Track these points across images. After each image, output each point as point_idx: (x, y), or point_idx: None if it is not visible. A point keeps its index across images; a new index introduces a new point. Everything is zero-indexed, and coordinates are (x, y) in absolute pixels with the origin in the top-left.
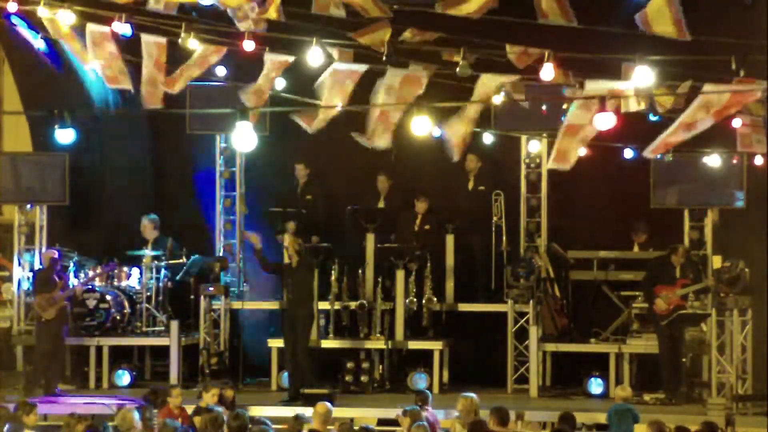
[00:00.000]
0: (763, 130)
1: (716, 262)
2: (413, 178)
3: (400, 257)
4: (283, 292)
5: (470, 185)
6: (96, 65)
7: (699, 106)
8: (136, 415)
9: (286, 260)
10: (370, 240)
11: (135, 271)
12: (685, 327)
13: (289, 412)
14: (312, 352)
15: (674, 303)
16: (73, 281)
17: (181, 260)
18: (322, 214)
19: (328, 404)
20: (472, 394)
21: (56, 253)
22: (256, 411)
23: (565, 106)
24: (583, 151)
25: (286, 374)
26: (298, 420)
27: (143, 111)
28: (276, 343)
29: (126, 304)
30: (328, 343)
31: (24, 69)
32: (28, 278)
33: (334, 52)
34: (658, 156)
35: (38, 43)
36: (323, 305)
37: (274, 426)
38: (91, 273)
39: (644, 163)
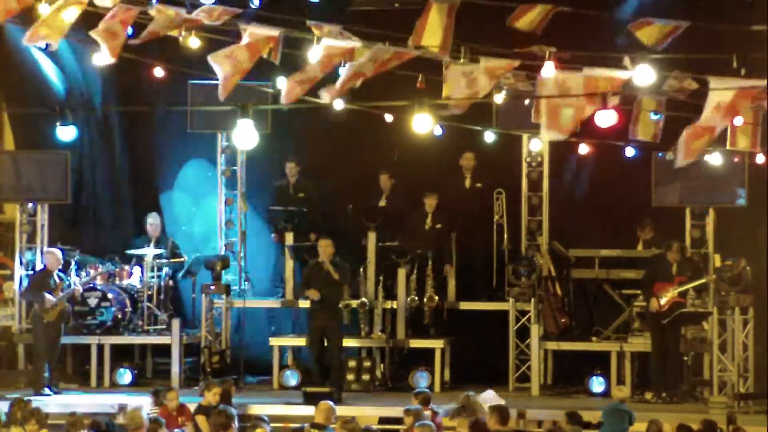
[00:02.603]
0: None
1: (715, 260)
2: (413, 177)
3: (402, 256)
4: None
5: (467, 183)
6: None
7: (712, 106)
8: (145, 414)
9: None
10: (372, 238)
11: (136, 269)
12: (686, 325)
13: (289, 411)
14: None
15: (672, 300)
16: (74, 280)
17: (182, 259)
18: (316, 211)
19: (331, 402)
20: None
21: (60, 252)
22: (258, 410)
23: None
24: (585, 149)
25: (287, 373)
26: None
27: (143, 110)
28: (278, 342)
29: (128, 302)
30: None
31: (6, 68)
32: (27, 276)
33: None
34: (660, 154)
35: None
36: None
37: (273, 424)
38: (92, 272)
39: (646, 162)
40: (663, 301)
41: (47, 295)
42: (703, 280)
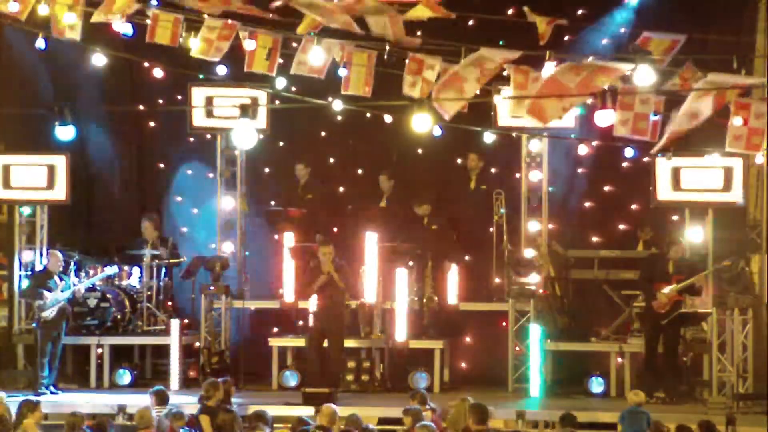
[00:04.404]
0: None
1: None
2: (415, 178)
3: (402, 256)
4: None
5: (472, 185)
6: None
7: (699, 94)
8: (154, 414)
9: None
10: (371, 239)
11: (136, 270)
12: (685, 326)
13: (288, 411)
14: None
15: (672, 299)
16: (73, 280)
17: (181, 259)
18: (323, 212)
19: (334, 406)
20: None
21: (61, 255)
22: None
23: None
24: (585, 149)
25: (287, 373)
26: (301, 422)
27: (143, 110)
28: (277, 343)
29: (127, 303)
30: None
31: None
32: (27, 276)
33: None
34: (660, 154)
35: (38, 43)
36: None
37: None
38: (91, 273)
39: (645, 162)
40: (665, 301)
41: (46, 293)
42: (705, 273)
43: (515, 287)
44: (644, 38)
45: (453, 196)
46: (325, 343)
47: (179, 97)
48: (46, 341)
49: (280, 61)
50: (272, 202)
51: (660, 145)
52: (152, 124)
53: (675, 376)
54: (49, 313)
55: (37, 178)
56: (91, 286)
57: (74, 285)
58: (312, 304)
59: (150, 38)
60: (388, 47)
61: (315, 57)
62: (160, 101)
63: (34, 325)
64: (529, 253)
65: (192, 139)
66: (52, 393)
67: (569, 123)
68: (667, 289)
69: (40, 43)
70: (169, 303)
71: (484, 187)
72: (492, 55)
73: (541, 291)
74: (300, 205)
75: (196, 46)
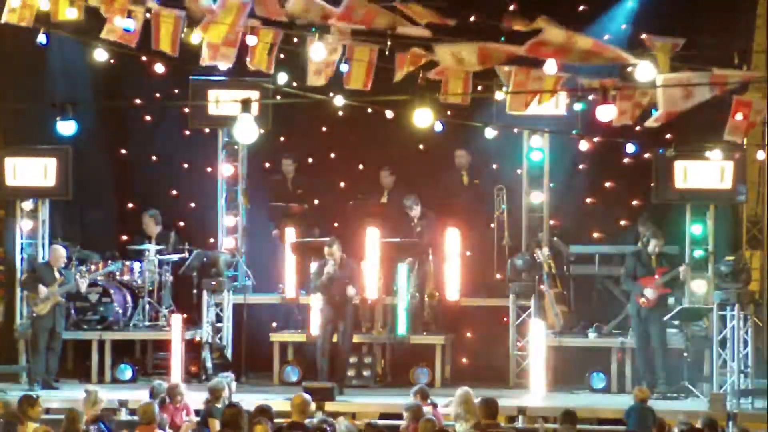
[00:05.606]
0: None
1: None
2: (413, 174)
3: (403, 252)
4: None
5: (465, 180)
6: None
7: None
8: (156, 409)
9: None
10: (372, 234)
11: (137, 265)
12: (686, 321)
13: (290, 407)
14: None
15: (659, 292)
16: (75, 275)
17: (183, 254)
18: (314, 206)
19: (305, 395)
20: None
21: (64, 250)
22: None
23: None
24: (586, 145)
25: (288, 369)
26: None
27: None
28: (278, 338)
29: (128, 298)
30: None
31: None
32: (28, 270)
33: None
34: (661, 150)
35: (39, 38)
36: None
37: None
38: (93, 268)
39: (646, 158)
40: (653, 295)
41: (41, 287)
42: (687, 264)
43: (516, 283)
44: (646, 40)
45: (448, 192)
46: (335, 338)
47: (176, 90)
48: (41, 335)
49: (281, 56)
50: None
51: (654, 118)
52: (148, 117)
53: (671, 371)
54: (42, 308)
55: (38, 172)
56: (92, 281)
57: (74, 280)
58: (317, 301)
59: (155, 45)
60: (389, 42)
61: (316, 53)
62: (157, 95)
63: (30, 318)
64: (530, 248)
65: (188, 132)
66: (44, 388)
67: (571, 118)
68: (653, 284)
69: (41, 38)
70: (170, 299)
71: (476, 181)
72: (495, 47)
73: (542, 287)
74: (290, 200)
75: (201, 45)
